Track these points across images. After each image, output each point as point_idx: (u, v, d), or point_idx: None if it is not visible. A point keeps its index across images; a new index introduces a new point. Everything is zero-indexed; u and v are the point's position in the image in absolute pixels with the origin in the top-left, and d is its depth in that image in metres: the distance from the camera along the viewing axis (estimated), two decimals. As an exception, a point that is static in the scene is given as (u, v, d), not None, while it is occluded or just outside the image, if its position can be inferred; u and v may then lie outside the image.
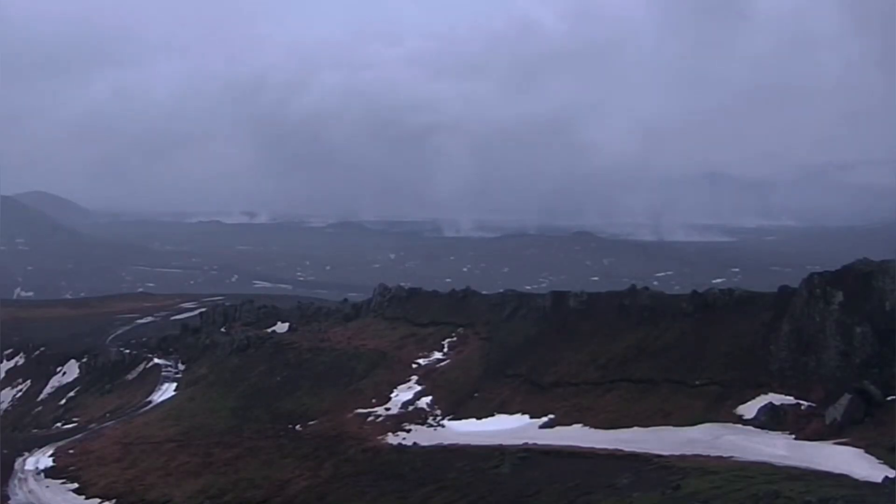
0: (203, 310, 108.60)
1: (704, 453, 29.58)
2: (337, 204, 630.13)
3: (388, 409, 51.16)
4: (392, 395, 53.60)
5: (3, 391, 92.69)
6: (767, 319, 40.58)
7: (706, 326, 43.85)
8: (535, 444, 36.05)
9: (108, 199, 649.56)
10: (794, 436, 31.59)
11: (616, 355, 45.93)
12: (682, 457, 29.12)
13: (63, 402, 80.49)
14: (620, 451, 31.90)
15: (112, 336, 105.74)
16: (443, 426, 46.14)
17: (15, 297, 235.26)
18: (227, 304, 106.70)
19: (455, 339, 62.45)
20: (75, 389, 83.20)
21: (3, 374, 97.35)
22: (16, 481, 45.78)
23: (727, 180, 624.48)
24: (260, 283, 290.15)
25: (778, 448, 29.32)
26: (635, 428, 36.85)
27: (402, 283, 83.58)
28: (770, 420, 33.48)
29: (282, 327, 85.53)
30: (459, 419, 46.80)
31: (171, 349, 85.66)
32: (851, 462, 25.80)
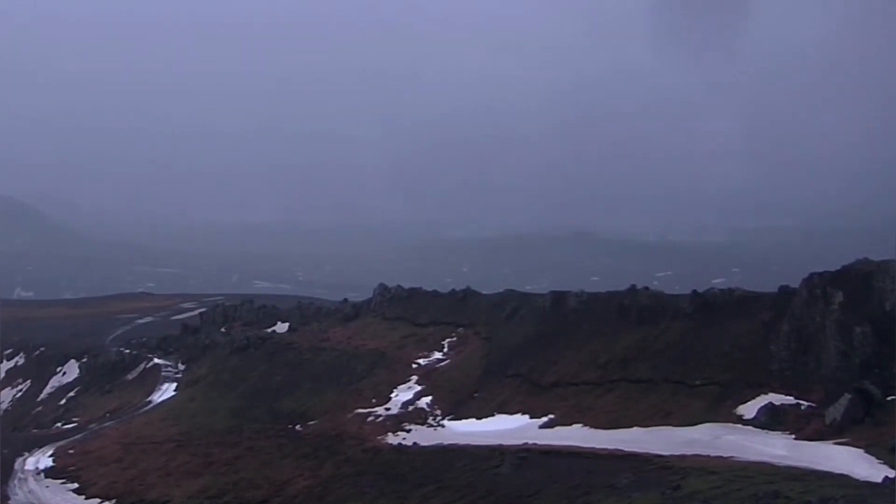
0: (203, 310, 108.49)
1: (704, 453, 29.62)
2: (338, 204, 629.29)
3: (388, 409, 51.16)
4: (392, 395, 53.59)
5: (3, 391, 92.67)
6: (767, 319, 40.58)
7: (706, 326, 43.85)
8: (535, 444, 36.10)
9: (109, 199, 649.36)
10: (794, 436, 31.61)
11: (616, 355, 45.92)
12: (682, 457, 29.16)
13: (63, 402, 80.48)
14: (620, 451, 31.93)
15: (112, 336, 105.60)
16: (443, 426, 46.15)
17: (15, 297, 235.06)
18: (227, 304, 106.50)
19: (455, 339, 62.43)
20: (75, 389, 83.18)
21: (3, 374, 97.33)
22: (16, 481, 45.85)
23: (727, 179, 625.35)
24: (260, 283, 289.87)
25: (778, 448, 29.36)
26: (635, 428, 36.85)
27: (402, 283, 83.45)
28: (770, 420, 33.48)
29: (282, 327, 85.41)
30: (459, 419, 46.80)
31: (171, 349, 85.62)
32: (851, 462, 25.83)
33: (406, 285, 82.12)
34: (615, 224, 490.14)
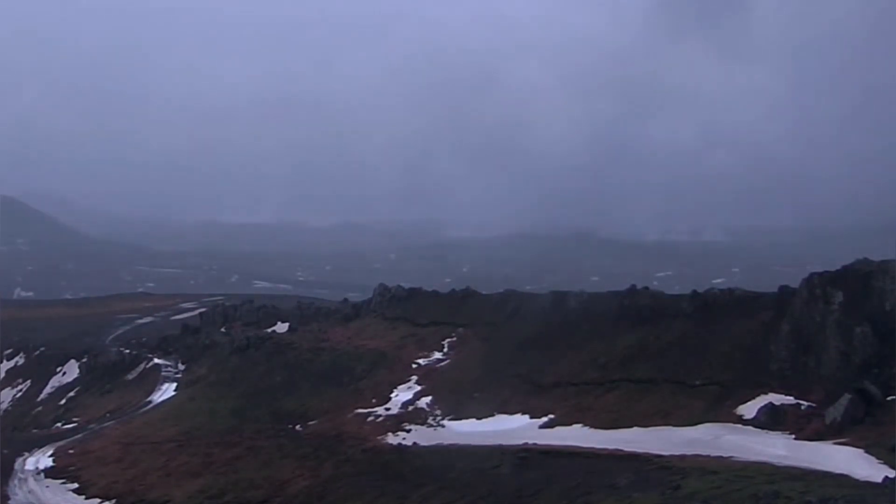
0: (203, 310, 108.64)
1: (704, 453, 29.60)
2: (338, 204, 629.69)
3: (388, 409, 51.16)
4: (392, 395, 53.59)
5: (3, 391, 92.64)
6: (767, 319, 40.58)
7: (706, 326, 43.86)
8: (535, 444, 36.07)
9: (108, 199, 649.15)
10: (794, 436, 31.61)
11: (616, 355, 45.94)
12: (682, 457, 29.14)
13: (63, 402, 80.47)
14: (620, 451, 31.91)
15: (112, 336, 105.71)
16: (443, 426, 46.14)
17: (15, 297, 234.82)
18: (227, 304, 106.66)
19: (455, 339, 62.44)
20: (75, 389, 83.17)
21: (3, 374, 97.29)
22: (16, 481, 45.79)
23: (727, 179, 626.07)
24: (260, 283, 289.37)
25: (778, 448, 29.33)
26: (635, 428, 36.85)
27: (402, 283, 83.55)
28: (770, 420, 33.49)
29: (282, 327, 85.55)
30: (459, 419, 46.79)
31: (171, 349, 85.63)
32: (851, 462, 25.81)
33: (406, 285, 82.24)
34: (615, 224, 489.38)
